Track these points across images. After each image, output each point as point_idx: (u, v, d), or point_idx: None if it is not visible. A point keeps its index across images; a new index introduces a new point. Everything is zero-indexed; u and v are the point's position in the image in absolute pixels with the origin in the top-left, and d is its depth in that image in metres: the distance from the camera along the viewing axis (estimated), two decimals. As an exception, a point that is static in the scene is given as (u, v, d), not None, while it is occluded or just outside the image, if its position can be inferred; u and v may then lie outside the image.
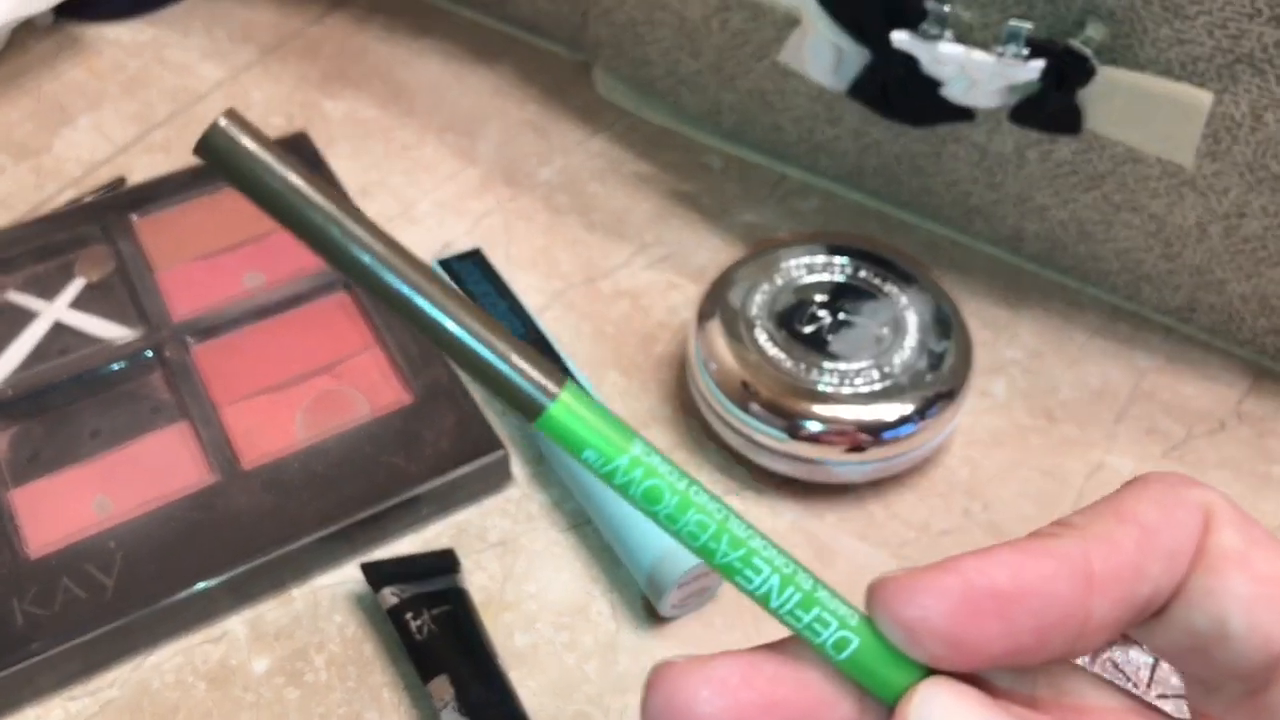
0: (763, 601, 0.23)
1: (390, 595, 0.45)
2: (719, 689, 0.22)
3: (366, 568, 0.46)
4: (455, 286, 0.19)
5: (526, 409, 0.21)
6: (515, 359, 0.21)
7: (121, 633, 0.44)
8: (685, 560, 0.44)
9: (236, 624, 0.46)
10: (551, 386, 0.21)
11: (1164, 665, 0.41)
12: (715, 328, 0.50)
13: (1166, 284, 0.53)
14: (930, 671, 0.22)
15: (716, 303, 0.51)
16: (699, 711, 0.22)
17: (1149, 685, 0.41)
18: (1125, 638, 0.41)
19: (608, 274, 0.57)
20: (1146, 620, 0.22)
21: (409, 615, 0.44)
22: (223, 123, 0.20)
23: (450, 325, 0.21)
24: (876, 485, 0.50)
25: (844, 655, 0.22)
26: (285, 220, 0.20)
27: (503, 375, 0.21)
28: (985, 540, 0.48)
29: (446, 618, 0.44)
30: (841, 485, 0.49)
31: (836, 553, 0.48)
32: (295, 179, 0.20)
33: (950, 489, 0.50)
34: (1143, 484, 0.23)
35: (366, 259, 0.20)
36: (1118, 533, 0.21)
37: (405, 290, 0.20)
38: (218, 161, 0.20)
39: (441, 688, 0.42)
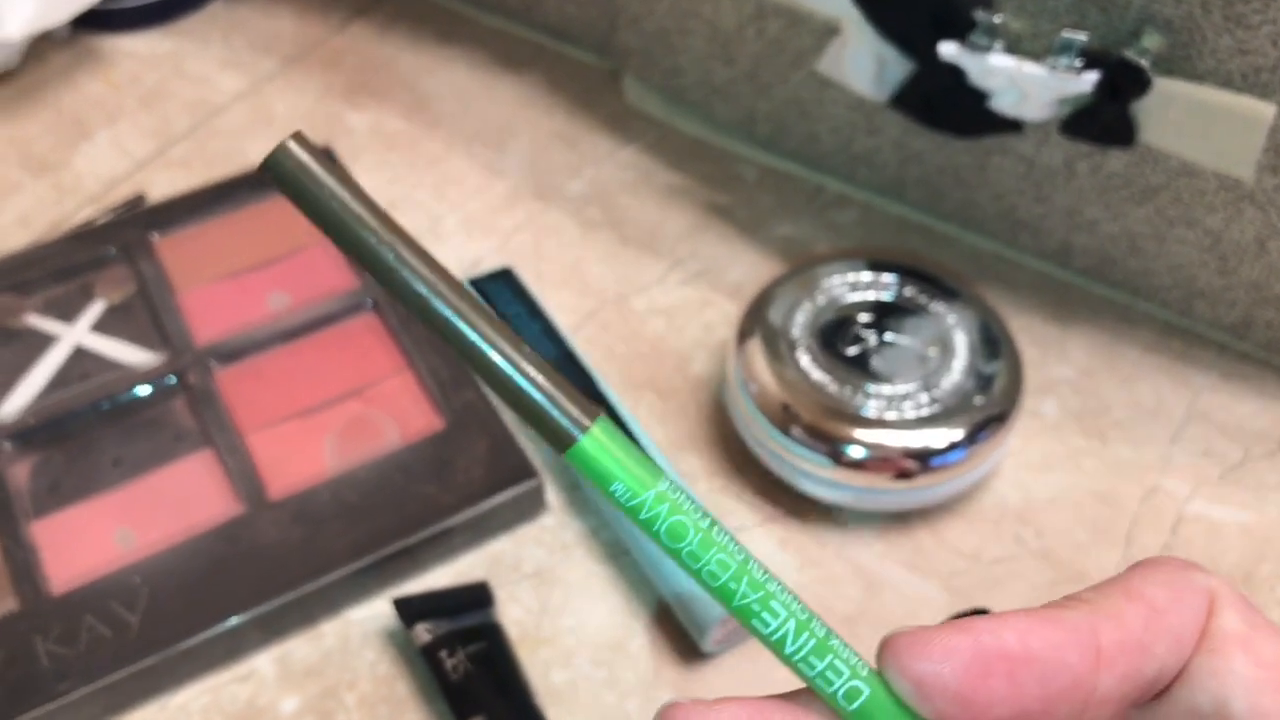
0: (777, 648, 0.22)
1: (424, 632, 0.43)
2: None
3: (399, 603, 0.44)
4: (491, 310, 0.21)
5: (558, 440, 0.22)
6: (550, 389, 0.22)
7: (147, 673, 0.43)
8: (730, 596, 0.42)
9: (265, 661, 0.44)
10: (584, 419, 0.22)
11: None
12: (755, 347, 0.48)
13: (1222, 300, 0.51)
14: None
15: (756, 321, 0.49)
16: None
17: None
18: None
19: (641, 290, 0.56)
20: (1150, 700, 0.23)
21: (443, 653, 0.42)
22: (290, 145, 0.20)
23: (489, 352, 0.21)
24: (925, 513, 0.48)
25: (854, 706, 0.22)
26: (343, 244, 0.21)
27: (537, 405, 0.22)
28: (1038, 569, 0.46)
29: (481, 655, 0.42)
30: (888, 513, 0.48)
31: (885, 583, 0.46)
32: (355, 205, 0.21)
33: (1002, 515, 0.48)
34: (1152, 566, 0.23)
35: (420, 287, 0.21)
36: (1127, 610, 0.22)
37: (451, 316, 0.21)
38: (281, 182, 0.20)
39: (479, 731, 0.40)
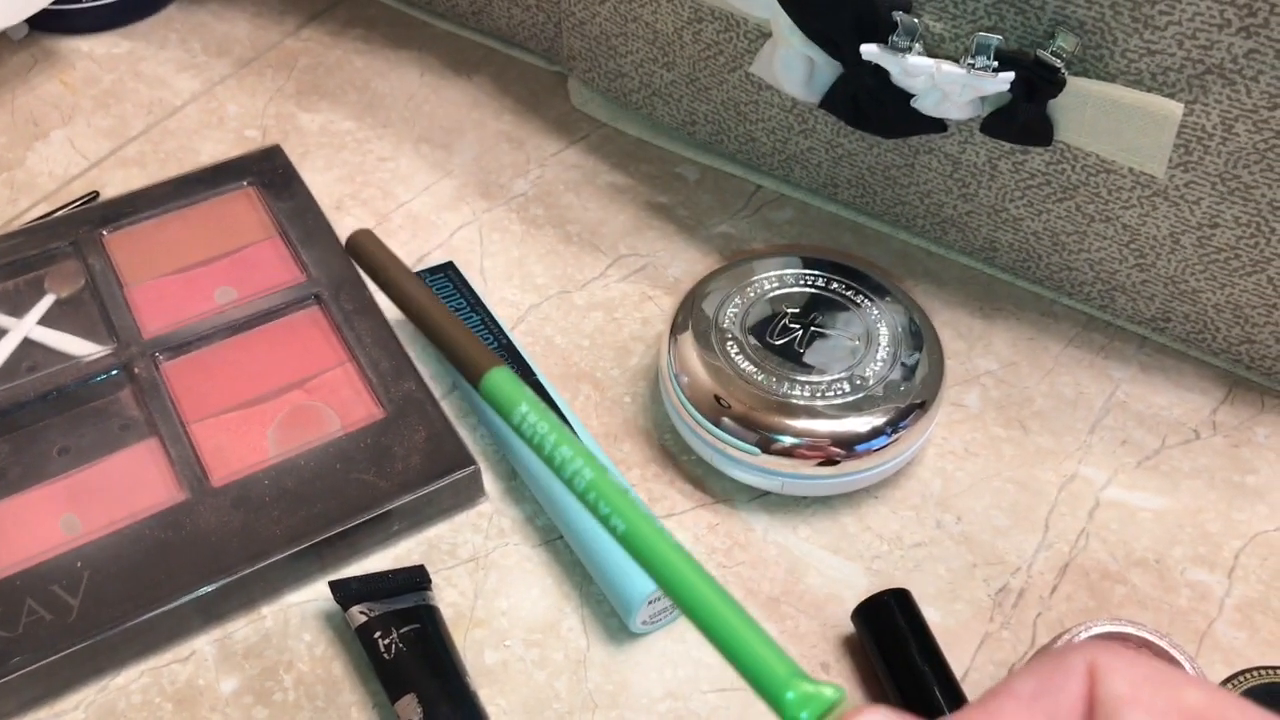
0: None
1: (359, 613, 0.44)
2: None
3: (335, 586, 0.45)
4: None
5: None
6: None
7: (87, 654, 0.44)
8: (655, 576, 0.44)
9: (205, 643, 0.46)
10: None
11: None
12: (688, 340, 0.50)
13: (1140, 294, 0.53)
14: None
15: (689, 315, 0.51)
16: None
17: None
18: None
19: (583, 286, 0.57)
20: None
21: (378, 634, 0.44)
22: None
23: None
24: (849, 498, 0.49)
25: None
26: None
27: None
28: (958, 553, 0.48)
29: (416, 636, 0.44)
30: (814, 498, 0.49)
31: (809, 565, 0.47)
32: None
33: (924, 501, 0.49)
34: (1029, 663, 0.25)
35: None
36: (1004, 709, 0.23)
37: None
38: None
39: (408, 707, 0.42)
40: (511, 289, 0.57)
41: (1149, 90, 0.47)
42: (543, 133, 0.64)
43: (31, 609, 0.44)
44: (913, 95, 0.50)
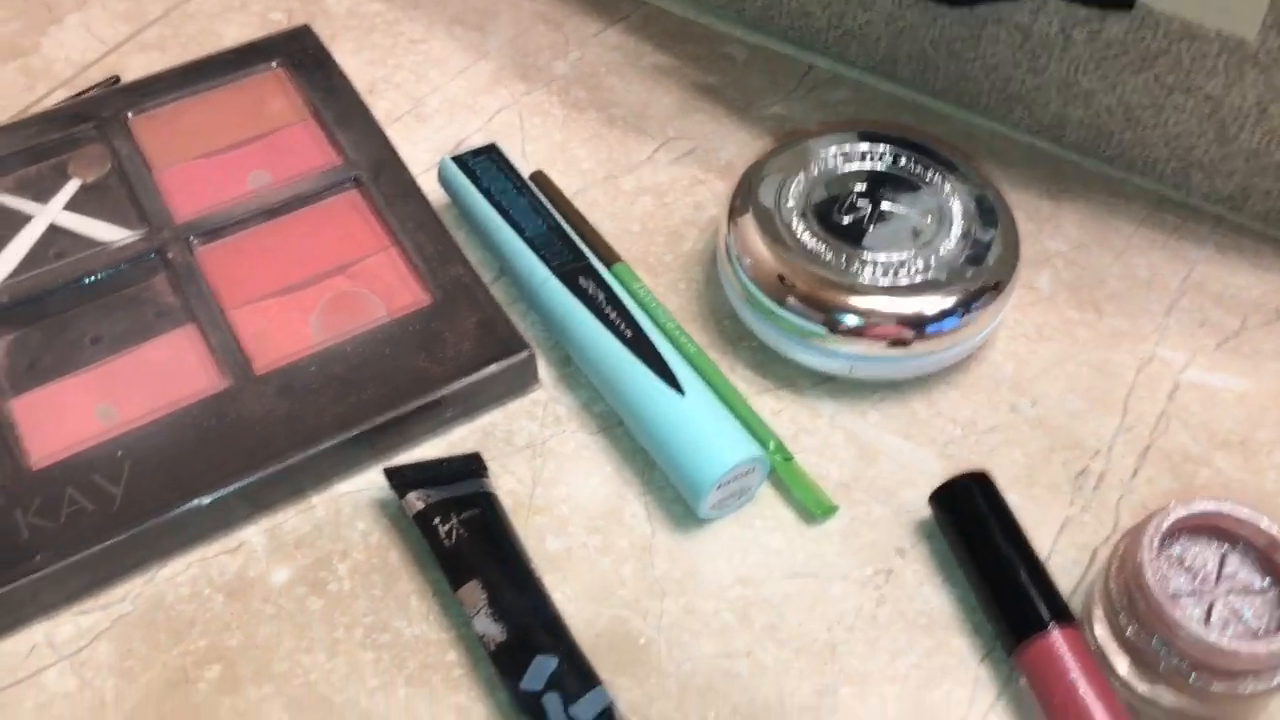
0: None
1: (416, 500, 0.42)
2: None
3: (390, 472, 0.43)
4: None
5: None
6: None
7: (132, 544, 0.42)
8: (727, 459, 0.42)
9: (254, 534, 0.44)
10: None
11: (1232, 559, 0.39)
12: (748, 221, 0.47)
13: (1219, 171, 0.51)
14: None
15: (749, 195, 0.48)
16: None
17: (1217, 581, 0.39)
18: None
19: (630, 170, 0.55)
20: None
21: (437, 520, 0.42)
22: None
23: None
24: (920, 382, 0.47)
25: None
26: None
27: None
28: (1033, 437, 0.46)
29: (476, 522, 0.42)
30: (884, 382, 0.47)
31: (879, 451, 0.46)
32: None
33: (996, 385, 0.47)
34: None
35: None
36: None
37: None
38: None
39: (473, 594, 0.40)
40: (556, 174, 0.54)
41: (1242, -55, 0.44)
42: (581, 12, 0.61)
43: (73, 499, 0.42)
44: (986, -43, 0.47)
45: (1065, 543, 0.43)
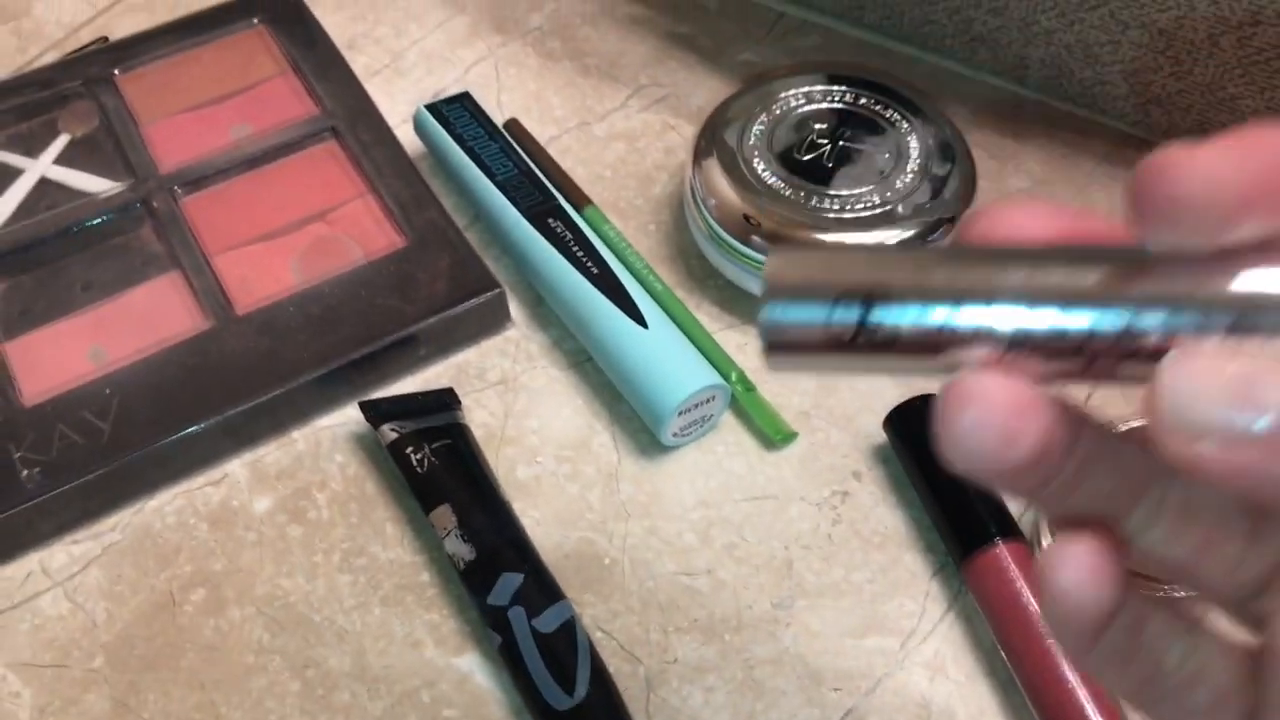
0: None
1: (390, 431, 0.44)
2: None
3: (365, 405, 0.45)
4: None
5: None
6: None
7: (120, 476, 0.44)
8: (687, 386, 0.43)
9: (237, 466, 0.46)
10: None
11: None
12: (712, 163, 0.49)
13: (1176, 105, 0.52)
14: None
15: (713, 135, 0.50)
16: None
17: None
18: None
19: (602, 117, 0.56)
20: None
21: (409, 449, 0.43)
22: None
23: None
24: (880, 314, 0.49)
25: None
26: None
27: None
28: (991, 366, 0.47)
29: (447, 450, 0.44)
30: (844, 315, 0.49)
31: (839, 380, 0.47)
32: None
33: (955, 317, 0.49)
34: None
35: None
36: None
37: None
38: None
39: (444, 517, 0.42)
40: (530, 122, 0.56)
41: (1188, -120, 0.45)
42: (557, -33, 0.62)
43: (64, 434, 0.44)
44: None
45: (1017, 464, 0.44)
